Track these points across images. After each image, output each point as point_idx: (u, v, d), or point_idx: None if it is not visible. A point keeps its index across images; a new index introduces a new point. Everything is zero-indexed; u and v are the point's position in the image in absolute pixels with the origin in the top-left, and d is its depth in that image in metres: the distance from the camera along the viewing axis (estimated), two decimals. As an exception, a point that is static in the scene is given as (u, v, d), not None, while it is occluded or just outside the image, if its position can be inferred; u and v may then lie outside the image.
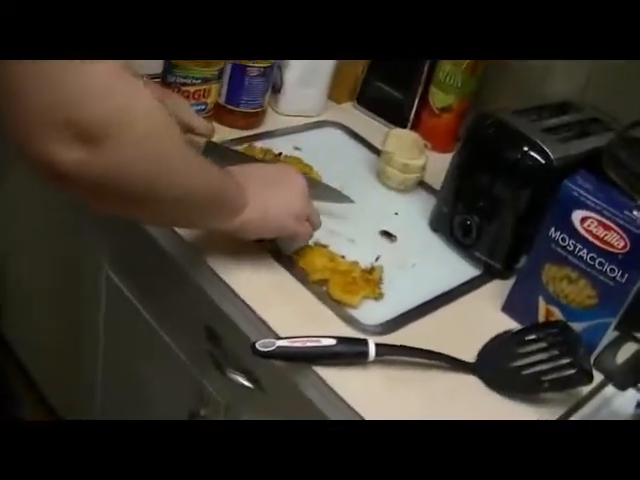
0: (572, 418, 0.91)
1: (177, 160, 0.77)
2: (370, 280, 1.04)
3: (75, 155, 0.65)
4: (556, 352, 0.95)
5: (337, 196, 1.17)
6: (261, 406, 1.06)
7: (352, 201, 1.17)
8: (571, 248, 0.96)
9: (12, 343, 1.97)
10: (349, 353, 0.91)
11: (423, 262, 1.14)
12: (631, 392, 0.88)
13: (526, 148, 1.04)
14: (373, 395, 0.90)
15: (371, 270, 1.06)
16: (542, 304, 1.02)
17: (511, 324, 1.05)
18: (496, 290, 1.10)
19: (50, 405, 1.89)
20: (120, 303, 1.32)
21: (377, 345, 0.91)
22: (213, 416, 1.16)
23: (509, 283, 1.07)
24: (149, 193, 0.76)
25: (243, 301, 0.98)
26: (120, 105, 0.66)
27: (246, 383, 1.04)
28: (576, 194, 0.94)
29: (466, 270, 1.14)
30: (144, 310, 1.26)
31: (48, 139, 0.64)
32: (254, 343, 0.88)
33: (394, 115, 1.44)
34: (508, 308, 1.07)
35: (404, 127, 1.41)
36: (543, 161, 1.04)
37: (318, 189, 1.13)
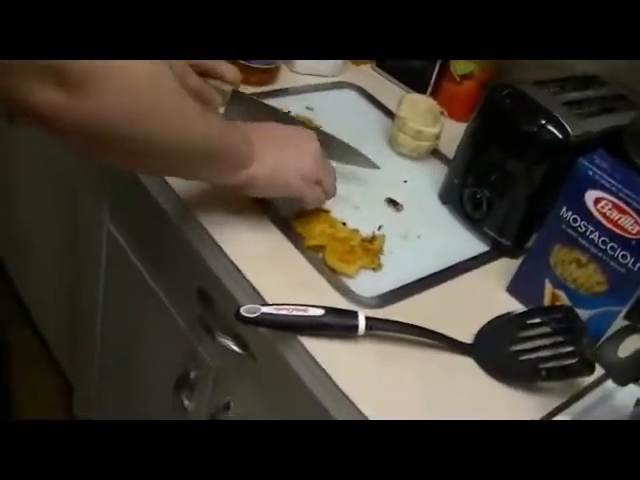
0: (570, 410, 0.87)
1: (169, 110, 0.73)
2: (369, 250, 0.99)
3: (55, 97, 0.63)
4: (558, 339, 0.91)
5: (362, 160, 1.12)
6: (250, 372, 1.02)
7: (377, 167, 1.12)
8: (582, 230, 0.91)
9: (20, 292, 1.98)
10: (337, 325, 0.86)
11: (428, 234, 1.08)
12: (633, 388, 0.83)
13: (543, 121, 0.99)
14: (360, 371, 0.85)
15: (372, 239, 1.01)
16: (548, 287, 0.97)
17: (515, 305, 1.00)
18: (503, 269, 1.05)
19: (55, 358, 1.90)
20: (120, 258, 1.29)
21: (368, 318, 0.87)
22: (203, 379, 1.14)
23: (518, 262, 1.02)
24: (138, 142, 0.72)
25: (234, 264, 0.94)
26: None
27: (235, 348, 1.01)
28: (591, 173, 0.89)
29: (473, 245, 1.09)
30: (143, 268, 1.24)
31: (28, 80, 0.62)
32: (238, 308, 0.85)
33: (414, 80, 1.39)
34: (513, 289, 1.02)
35: (424, 93, 1.35)
36: (561, 136, 0.98)
37: (340, 150, 1.08)
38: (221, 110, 1.08)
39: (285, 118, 1.15)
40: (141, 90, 0.68)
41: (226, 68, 1.05)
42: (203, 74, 1.00)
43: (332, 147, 1.06)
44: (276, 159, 0.93)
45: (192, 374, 1.14)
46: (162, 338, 1.24)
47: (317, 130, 1.11)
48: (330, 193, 1.00)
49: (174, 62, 0.86)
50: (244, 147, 0.89)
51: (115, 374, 1.52)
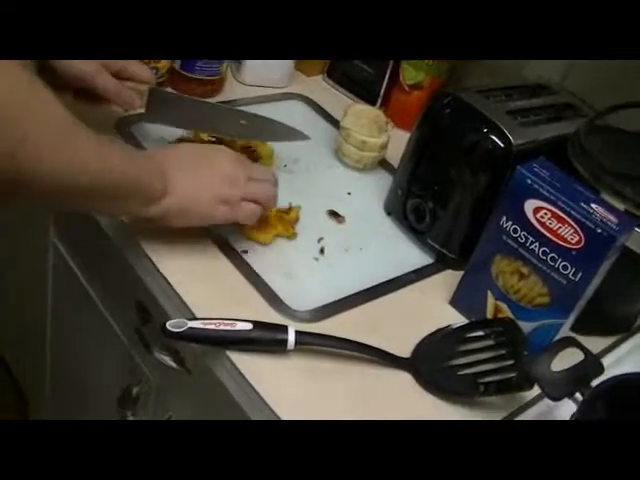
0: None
1: (50, 141, 0.69)
2: (284, 219, 1.00)
3: None
4: (500, 352, 0.88)
5: (289, 133, 1.10)
6: (187, 388, 1.00)
7: (307, 137, 1.11)
8: (522, 240, 0.89)
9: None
10: (266, 339, 0.84)
11: (371, 247, 1.06)
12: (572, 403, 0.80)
13: (485, 130, 0.96)
14: (289, 387, 0.83)
15: (288, 210, 1.02)
16: (491, 299, 0.95)
17: (458, 318, 0.98)
18: (447, 281, 1.02)
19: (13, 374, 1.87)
20: (65, 272, 1.26)
21: (298, 333, 0.84)
22: (145, 394, 1.11)
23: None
24: (21, 182, 0.68)
25: (165, 278, 0.91)
26: None
27: (172, 363, 0.99)
28: (529, 181, 0.86)
29: (417, 258, 1.06)
30: (85, 281, 1.20)
31: None
32: (164, 323, 0.82)
33: (364, 91, 1.37)
34: (456, 301, 0.99)
35: (373, 103, 1.33)
36: (502, 145, 0.96)
37: (268, 128, 1.05)
38: (142, 110, 1.05)
39: (207, 107, 1.11)
40: (10, 121, 0.63)
41: (137, 67, 1.00)
42: (115, 76, 0.97)
43: (259, 127, 1.05)
44: (192, 187, 0.89)
45: (135, 390, 1.11)
46: (106, 353, 1.21)
47: (241, 112, 1.10)
48: (266, 202, 0.96)
49: (85, 62, 0.83)
50: (154, 179, 0.85)
51: (66, 389, 1.48)
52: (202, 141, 1.12)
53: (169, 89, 1.23)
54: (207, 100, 1.17)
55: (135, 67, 0.99)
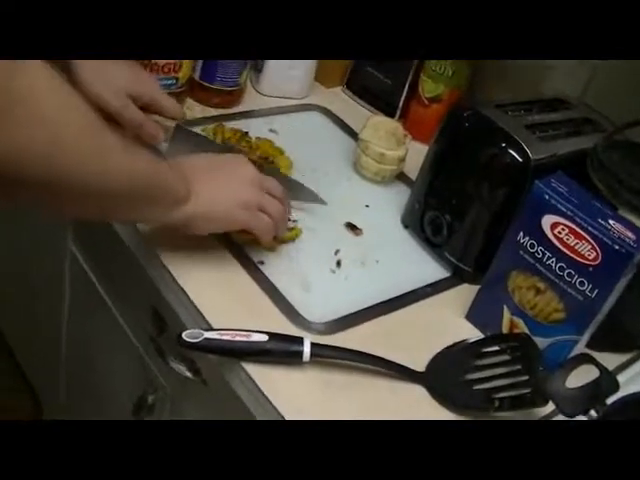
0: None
1: (85, 145, 0.70)
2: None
3: None
4: (515, 368, 0.88)
5: (307, 194, 1.10)
6: (203, 398, 1.00)
7: (324, 202, 1.10)
8: (540, 256, 0.88)
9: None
10: (281, 351, 0.84)
11: (388, 259, 1.06)
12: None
13: (503, 144, 0.96)
14: (303, 399, 0.83)
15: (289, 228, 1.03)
16: (507, 314, 0.94)
17: (474, 333, 0.97)
18: (463, 295, 1.02)
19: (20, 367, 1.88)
20: (82, 280, 1.27)
21: (313, 345, 0.84)
22: (161, 403, 1.11)
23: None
24: (53, 182, 0.69)
25: (182, 288, 0.92)
26: (9, 84, 0.60)
27: (187, 373, 0.99)
28: (547, 197, 0.86)
29: (434, 271, 1.06)
30: (102, 289, 1.22)
31: None
32: (180, 333, 0.82)
33: (383, 103, 1.37)
34: (472, 316, 0.99)
35: (392, 116, 1.33)
36: (521, 160, 0.95)
37: (285, 186, 1.05)
38: (164, 146, 1.04)
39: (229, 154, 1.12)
40: (51, 123, 0.65)
41: (167, 102, 0.99)
42: (143, 108, 0.96)
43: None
44: (213, 192, 0.89)
45: (150, 398, 1.12)
46: (122, 361, 1.22)
47: (261, 167, 1.09)
48: (275, 216, 0.94)
49: (112, 95, 0.84)
50: (178, 184, 0.85)
51: (81, 396, 1.49)
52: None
53: (188, 99, 1.24)
54: (230, 146, 1.16)
55: (165, 102, 0.99)
